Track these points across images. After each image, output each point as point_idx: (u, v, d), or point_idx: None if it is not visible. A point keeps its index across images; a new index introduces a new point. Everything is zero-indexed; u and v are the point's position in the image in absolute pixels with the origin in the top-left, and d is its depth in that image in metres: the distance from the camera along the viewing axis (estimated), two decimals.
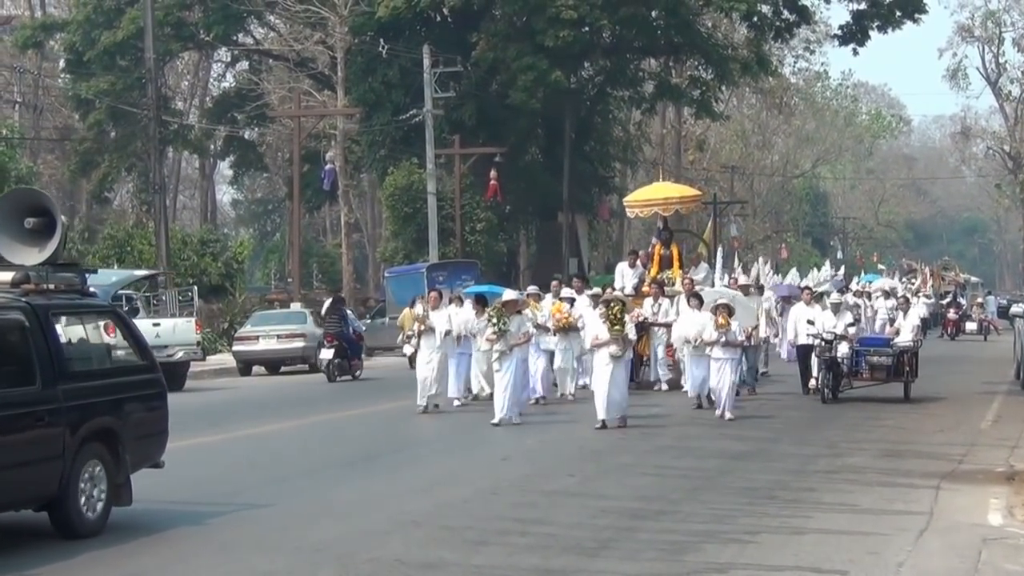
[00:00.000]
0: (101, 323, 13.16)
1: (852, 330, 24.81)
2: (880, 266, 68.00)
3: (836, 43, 62.28)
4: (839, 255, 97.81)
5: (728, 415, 20.96)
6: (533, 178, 55.99)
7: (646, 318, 25.83)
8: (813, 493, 14.14)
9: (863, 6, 58.44)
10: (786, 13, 57.53)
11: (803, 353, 25.40)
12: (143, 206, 60.09)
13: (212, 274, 47.61)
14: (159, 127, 42.44)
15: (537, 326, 23.90)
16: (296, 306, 42.63)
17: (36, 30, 60.00)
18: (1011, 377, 29.85)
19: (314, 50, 58.36)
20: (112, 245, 47.00)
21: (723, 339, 21.16)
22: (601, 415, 19.68)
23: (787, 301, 30.68)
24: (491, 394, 23.93)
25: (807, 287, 28.71)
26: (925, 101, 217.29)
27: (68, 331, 12.49)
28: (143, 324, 30.19)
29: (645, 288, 27.47)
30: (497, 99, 53.23)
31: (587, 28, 52.55)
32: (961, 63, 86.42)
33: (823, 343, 23.89)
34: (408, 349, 28.69)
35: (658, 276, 27.98)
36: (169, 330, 30.42)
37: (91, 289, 13.04)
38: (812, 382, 24.73)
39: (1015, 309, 33.92)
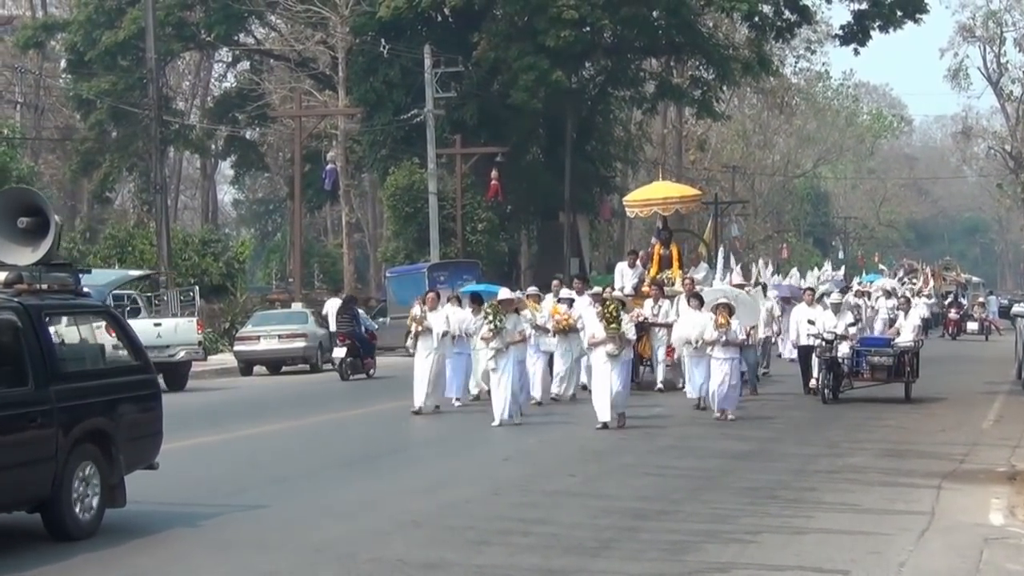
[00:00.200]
0: (95, 323, 13.06)
1: (853, 330, 24.80)
2: (881, 266, 67.98)
3: (837, 43, 62.31)
4: (840, 255, 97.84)
5: (730, 415, 20.92)
6: (534, 178, 56.01)
7: (646, 318, 25.81)
8: (814, 493, 14.14)
9: (864, 6, 58.41)
10: (787, 13, 57.53)
11: (804, 353, 25.38)
12: (144, 206, 60.10)
13: (213, 274, 47.60)
14: (160, 127, 42.44)
15: (536, 327, 23.87)
16: (297, 306, 42.64)
17: (37, 30, 59.99)
18: (1012, 377, 29.85)
19: (315, 50, 58.38)
20: (113, 245, 47.00)
21: (723, 339, 21.11)
22: (601, 416, 19.63)
23: (787, 301, 30.67)
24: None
25: (809, 288, 28.67)
26: (926, 101, 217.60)
27: (61, 331, 12.42)
28: (144, 324, 30.29)
29: (645, 288, 27.41)
30: (498, 99, 53.23)
31: (588, 28, 52.53)
32: (962, 63, 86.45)
33: (823, 343, 23.87)
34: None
35: (658, 276, 27.92)
36: (171, 330, 30.41)
37: (85, 289, 12.94)
38: (812, 382, 24.73)
39: (1016, 309, 33.92)
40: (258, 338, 36.16)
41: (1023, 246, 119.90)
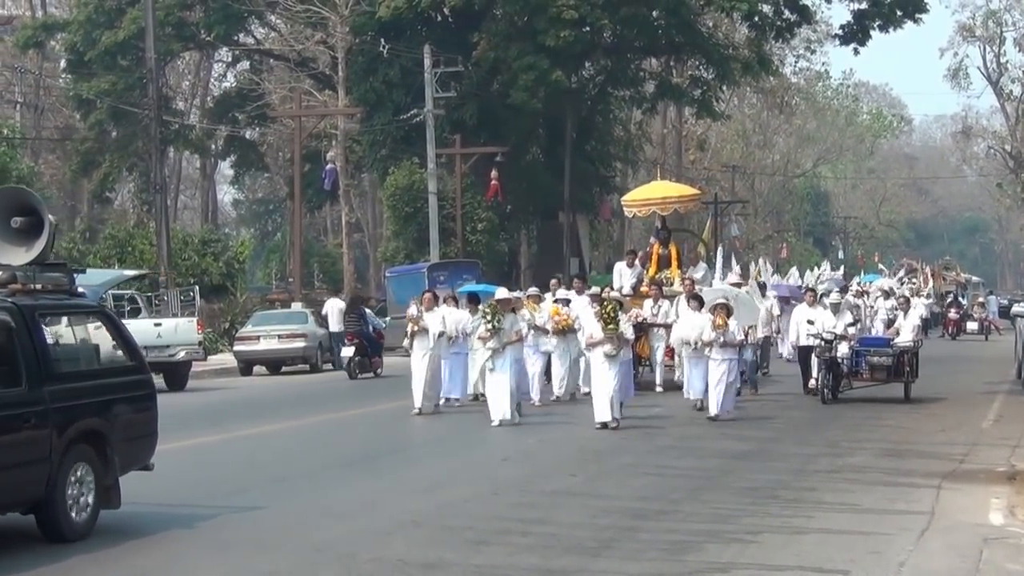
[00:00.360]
0: (89, 323, 12.97)
1: (852, 330, 24.78)
2: (880, 266, 68.01)
3: (837, 43, 62.29)
4: (840, 255, 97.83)
5: (725, 415, 20.81)
6: (534, 178, 56.01)
7: (645, 319, 25.76)
8: (814, 493, 14.14)
9: (864, 6, 58.40)
10: (787, 13, 57.52)
11: (803, 354, 25.35)
12: (144, 206, 60.09)
13: (213, 274, 47.60)
14: (160, 127, 42.45)
15: (535, 327, 23.82)
16: (297, 306, 42.64)
17: (37, 30, 59.98)
18: (1012, 377, 29.86)
19: (315, 50, 58.39)
20: (113, 245, 47.00)
21: (720, 340, 21.05)
22: (599, 417, 19.59)
23: (786, 301, 30.64)
24: (471, 396, 23.95)
25: (810, 289, 28.62)
26: (926, 101, 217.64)
27: (55, 332, 12.32)
28: (145, 324, 30.29)
29: (644, 288, 27.35)
30: (498, 99, 53.23)
31: (588, 28, 52.53)
32: (962, 63, 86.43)
33: (823, 343, 23.85)
34: None
35: (656, 276, 27.87)
36: (171, 330, 30.42)
37: (79, 289, 12.87)
38: (812, 382, 24.71)
39: (1016, 309, 33.93)
40: (258, 338, 36.17)
41: (1023, 246, 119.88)
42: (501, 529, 11.94)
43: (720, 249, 34.64)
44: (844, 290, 31.37)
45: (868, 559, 10.79)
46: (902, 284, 49.73)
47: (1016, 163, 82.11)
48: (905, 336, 25.22)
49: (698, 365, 21.86)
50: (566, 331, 24.08)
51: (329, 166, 49.98)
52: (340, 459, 17.26)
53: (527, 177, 55.52)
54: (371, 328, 33.90)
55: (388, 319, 42.11)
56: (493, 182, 51.54)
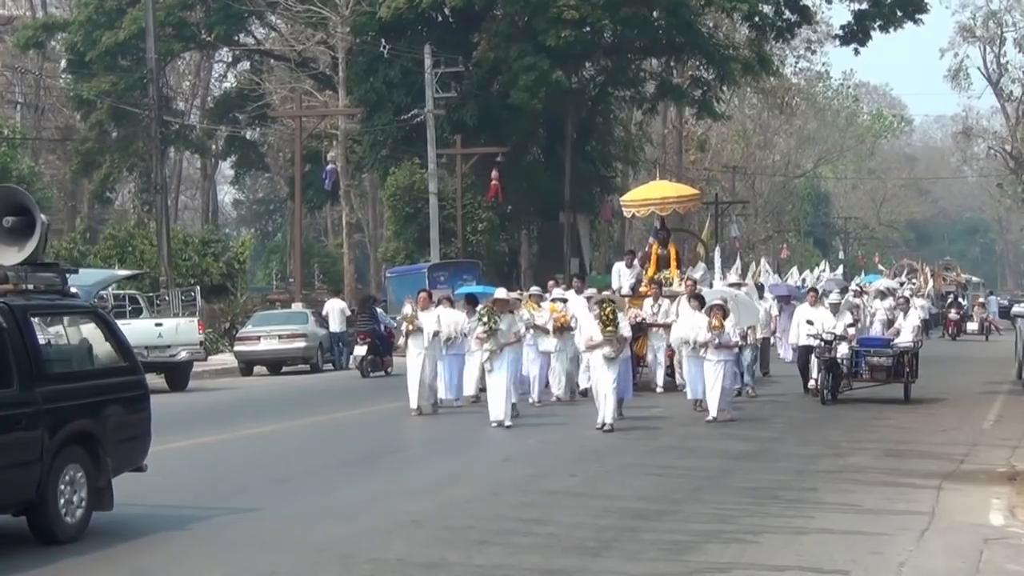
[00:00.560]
0: (82, 324, 12.82)
1: (852, 331, 24.75)
2: (880, 267, 68.00)
3: (837, 43, 62.34)
4: (841, 255, 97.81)
5: (721, 416, 20.69)
6: (534, 178, 56.01)
7: (644, 319, 25.69)
8: (815, 493, 14.14)
9: (864, 6, 58.44)
10: (787, 13, 57.58)
11: (803, 354, 25.31)
12: (144, 206, 60.11)
13: (213, 274, 47.61)
14: (160, 127, 42.45)
15: (535, 327, 23.78)
16: (297, 306, 42.67)
17: (37, 30, 60.00)
18: (1012, 377, 29.85)
19: (315, 50, 58.39)
20: (113, 245, 47.01)
21: (716, 340, 20.95)
22: (602, 417, 19.55)
23: (785, 301, 30.60)
24: (472, 396, 23.89)
25: (812, 288, 28.58)
26: (926, 101, 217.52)
27: (47, 332, 12.23)
28: (146, 324, 30.30)
29: (644, 288, 27.31)
30: (498, 99, 53.24)
31: (588, 28, 52.53)
32: (962, 63, 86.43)
33: (823, 344, 23.83)
34: None
35: (656, 276, 27.82)
36: (172, 330, 30.39)
37: (72, 289, 12.77)
38: (811, 383, 24.68)
39: (1016, 309, 33.91)
40: (258, 338, 36.18)
41: (1023, 246, 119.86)
42: (502, 529, 11.94)
43: (718, 249, 34.52)
44: (844, 291, 31.31)
45: (868, 559, 10.80)
46: (902, 285, 49.72)
47: (1016, 163, 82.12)
48: (905, 337, 25.20)
49: (697, 365, 21.78)
50: (564, 330, 24.03)
51: (330, 166, 49.99)
52: (340, 459, 17.25)
53: (527, 177, 55.53)
54: (382, 327, 34.01)
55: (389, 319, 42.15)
56: (493, 182, 51.54)
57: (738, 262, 34.27)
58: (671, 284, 27.23)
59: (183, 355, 30.28)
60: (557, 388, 24.46)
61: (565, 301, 24.84)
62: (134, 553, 11.15)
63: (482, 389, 23.04)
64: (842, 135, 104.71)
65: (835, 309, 24.88)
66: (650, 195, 30.20)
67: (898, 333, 25.79)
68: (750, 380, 25.32)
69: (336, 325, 37.79)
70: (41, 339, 11.65)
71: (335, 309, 38.10)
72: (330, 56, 56.10)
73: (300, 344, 36.24)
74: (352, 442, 19.44)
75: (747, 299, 25.31)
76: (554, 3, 49.95)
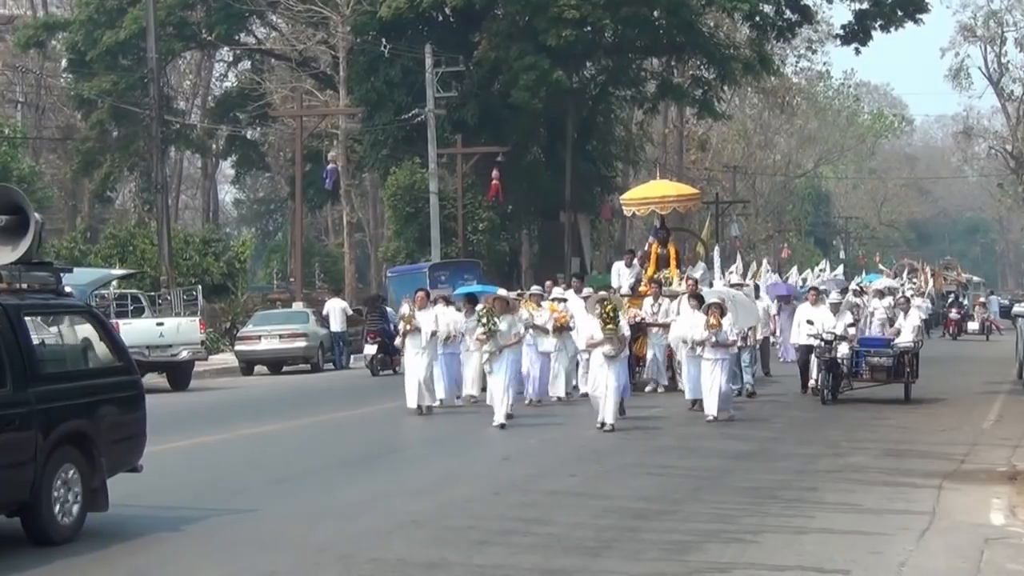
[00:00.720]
0: (76, 323, 12.78)
1: (852, 330, 24.73)
2: (881, 266, 67.99)
3: (838, 43, 62.34)
4: (842, 255, 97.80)
5: (720, 416, 20.63)
6: (535, 178, 56.01)
7: (643, 318, 25.64)
8: (815, 493, 14.14)
9: (865, 6, 58.42)
10: (788, 13, 57.57)
11: (803, 354, 25.25)
12: (145, 206, 60.13)
13: (214, 274, 47.62)
14: (161, 127, 42.44)
15: (535, 327, 23.73)
16: (298, 306, 42.65)
17: (38, 29, 60.02)
18: (1013, 377, 29.86)
19: (316, 50, 58.39)
20: (114, 245, 47.02)
21: (713, 339, 20.88)
22: (601, 417, 19.48)
23: (785, 300, 30.57)
24: (472, 396, 23.83)
25: (813, 288, 28.54)
26: (927, 101, 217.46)
27: (41, 332, 12.12)
28: (147, 323, 30.30)
29: (643, 288, 27.26)
30: (499, 99, 53.24)
31: (589, 28, 52.53)
32: (963, 63, 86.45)
33: (823, 343, 23.80)
34: None
35: (655, 276, 27.77)
36: (173, 329, 30.37)
37: (67, 289, 12.64)
38: (811, 382, 24.64)
39: (1017, 309, 33.91)
40: (259, 338, 36.19)
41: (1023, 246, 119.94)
42: (502, 529, 11.94)
43: (716, 249, 34.46)
44: (844, 291, 31.28)
45: (869, 559, 10.79)
46: (902, 285, 49.69)
47: (1017, 163, 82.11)
48: (906, 336, 25.18)
49: (696, 365, 21.69)
50: (562, 329, 24.00)
51: (330, 166, 49.98)
52: (341, 459, 17.25)
53: (528, 177, 55.53)
54: (392, 326, 34.08)
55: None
56: (494, 182, 51.54)
57: (738, 262, 34.23)
58: (670, 284, 27.18)
59: (184, 354, 30.27)
60: (557, 388, 24.41)
61: (564, 301, 24.81)
62: (132, 553, 11.14)
63: (483, 389, 23.04)
64: (843, 135, 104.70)
65: (835, 309, 24.85)
66: (650, 194, 30.16)
67: (898, 333, 25.76)
68: (750, 380, 25.27)
69: (337, 325, 37.80)
70: (35, 339, 11.55)
71: (336, 309, 38.11)
72: (331, 56, 56.11)
73: (301, 344, 36.25)
74: (352, 442, 19.43)
75: (746, 299, 25.26)
76: (555, 3, 49.95)
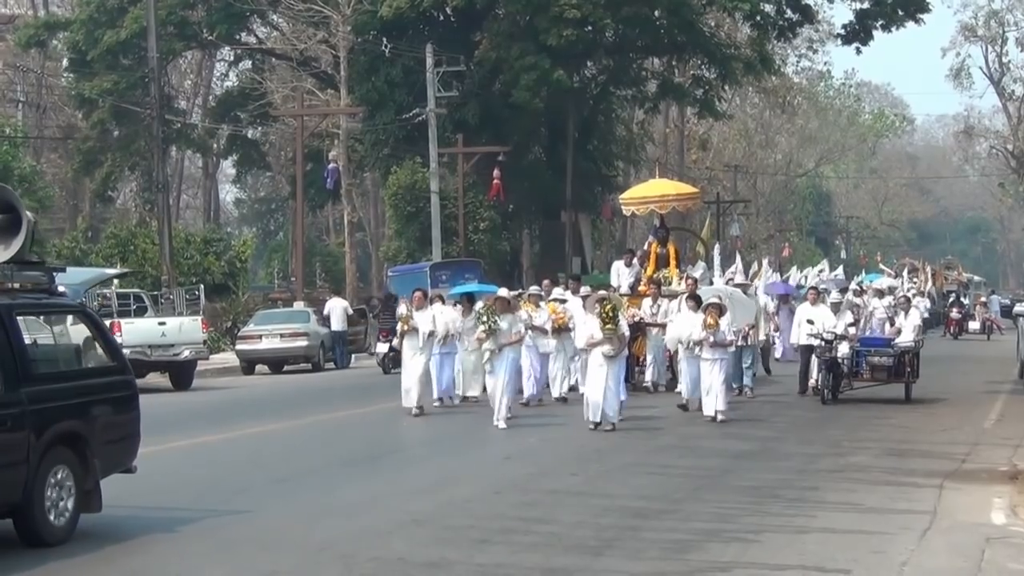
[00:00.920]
0: (69, 323, 12.65)
1: (852, 330, 24.71)
2: (882, 266, 68.02)
3: (839, 42, 62.34)
4: (843, 255, 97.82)
5: (720, 416, 20.54)
6: (536, 177, 56.01)
7: (642, 318, 25.58)
8: (816, 492, 14.14)
9: (866, 5, 58.40)
10: (789, 12, 57.56)
11: (804, 353, 25.18)
12: (146, 205, 60.16)
13: (215, 273, 47.62)
14: (162, 126, 42.44)
15: (534, 327, 23.67)
16: (299, 305, 42.65)
17: (39, 29, 60.04)
18: (1014, 376, 29.88)
19: (317, 49, 58.36)
20: (115, 244, 47.03)
21: (711, 339, 20.79)
22: (591, 417, 19.37)
23: (783, 299, 30.56)
24: (474, 396, 23.78)
25: (812, 288, 28.53)
26: (928, 100, 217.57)
27: (33, 331, 11.99)
28: (149, 323, 30.27)
29: (643, 288, 27.18)
30: (500, 98, 53.23)
31: (590, 27, 52.52)
32: (964, 62, 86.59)
33: (823, 343, 23.78)
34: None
35: (655, 275, 27.72)
36: (175, 329, 30.33)
37: (60, 288, 12.48)
38: (811, 382, 24.60)
39: (1018, 308, 33.98)
40: (260, 337, 36.19)
41: None
42: (503, 528, 11.93)
43: (716, 248, 34.42)
44: (844, 290, 31.28)
45: (870, 558, 10.79)
46: (903, 284, 49.69)
47: (1018, 163, 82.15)
48: (906, 336, 25.17)
49: (694, 365, 21.56)
50: (561, 329, 23.97)
51: (331, 165, 49.97)
52: (341, 458, 17.24)
53: (529, 176, 55.53)
54: None
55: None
56: (495, 181, 51.53)
57: (737, 261, 34.21)
58: (670, 283, 27.11)
59: (187, 354, 30.23)
60: (556, 388, 24.37)
61: (564, 302, 24.76)
62: (132, 553, 11.13)
63: (484, 389, 22.99)
64: (844, 134, 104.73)
65: (836, 308, 24.83)
66: (649, 193, 30.04)
67: (899, 332, 25.75)
68: (749, 381, 25.15)
69: (337, 324, 37.81)
70: (27, 338, 11.42)
71: (337, 308, 38.12)
72: (332, 55, 56.09)
73: (302, 343, 36.26)
74: (353, 441, 19.43)
75: (743, 296, 25.26)
76: (555, 2, 49.94)
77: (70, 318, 12.70)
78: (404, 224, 53.39)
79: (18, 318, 11.21)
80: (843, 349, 23.90)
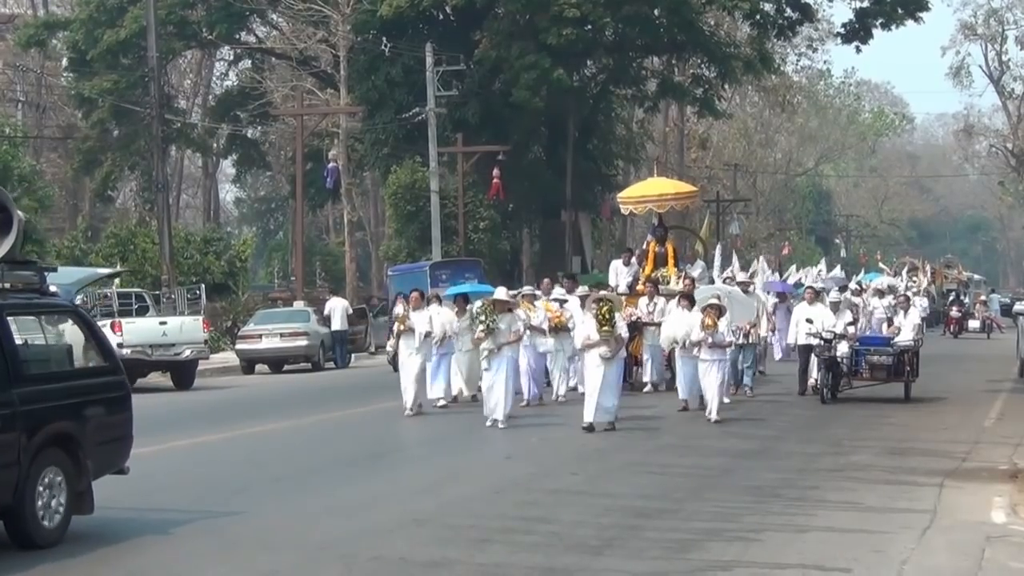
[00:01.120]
0: (61, 323, 12.59)
1: (852, 329, 24.69)
2: (881, 265, 68.05)
3: (839, 41, 62.38)
4: (843, 253, 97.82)
5: (715, 416, 20.41)
6: (536, 176, 56.02)
7: (639, 317, 25.51)
8: (817, 491, 14.14)
9: (866, 4, 58.43)
10: (789, 11, 57.59)
11: (803, 353, 25.15)
12: (146, 205, 60.18)
13: (215, 273, 47.63)
14: (162, 126, 42.43)
15: (532, 328, 23.63)
16: (299, 305, 42.65)
17: (39, 28, 60.05)
18: (1014, 375, 29.87)
19: (317, 48, 58.35)
20: (115, 244, 47.02)
21: (709, 340, 20.69)
22: (588, 417, 19.22)
23: (781, 298, 30.53)
24: (472, 396, 23.72)
25: (810, 287, 28.49)
26: (928, 99, 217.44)
27: (25, 332, 11.90)
28: (150, 323, 30.27)
29: (640, 287, 27.14)
30: (500, 97, 53.25)
31: (590, 26, 52.55)
32: (964, 61, 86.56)
33: (822, 342, 23.77)
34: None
35: (653, 274, 27.68)
36: (176, 328, 30.32)
37: (52, 288, 12.39)
38: (811, 381, 24.58)
39: (1018, 307, 33.93)
40: (260, 337, 36.19)
41: None
42: (504, 527, 11.94)
43: (718, 247, 34.42)
44: (844, 289, 31.26)
45: (871, 557, 10.79)
46: (902, 283, 49.67)
47: (1018, 161, 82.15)
48: (906, 335, 25.15)
49: (691, 365, 21.49)
50: (559, 329, 23.94)
51: (331, 165, 49.98)
52: (342, 458, 17.23)
53: (529, 176, 55.54)
54: None
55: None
56: (495, 181, 51.53)
57: (734, 261, 34.18)
58: (668, 282, 27.06)
59: (188, 353, 30.21)
60: (556, 388, 24.34)
61: (564, 301, 24.72)
62: (132, 553, 11.12)
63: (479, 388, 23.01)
64: (843, 133, 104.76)
65: (835, 307, 24.81)
66: (647, 192, 29.89)
67: (899, 331, 25.73)
68: (749, 381, 25.11)
69: (338, 323, 37.80)
70: (18, 339, 11.33)
71: (337, 308, 38.11)
72: (331, 54, 56.09)
73: (302, 342, 36.26)
74: (353, 441, 19.42)
75: (742, 295, 25.20)
76: (555, 2, 49.98)
77: (62, 318, 12.60)
78: (404, 223, 53.40)
79: (9, 318, 11.12)
80: (842, 348, 23.88)
